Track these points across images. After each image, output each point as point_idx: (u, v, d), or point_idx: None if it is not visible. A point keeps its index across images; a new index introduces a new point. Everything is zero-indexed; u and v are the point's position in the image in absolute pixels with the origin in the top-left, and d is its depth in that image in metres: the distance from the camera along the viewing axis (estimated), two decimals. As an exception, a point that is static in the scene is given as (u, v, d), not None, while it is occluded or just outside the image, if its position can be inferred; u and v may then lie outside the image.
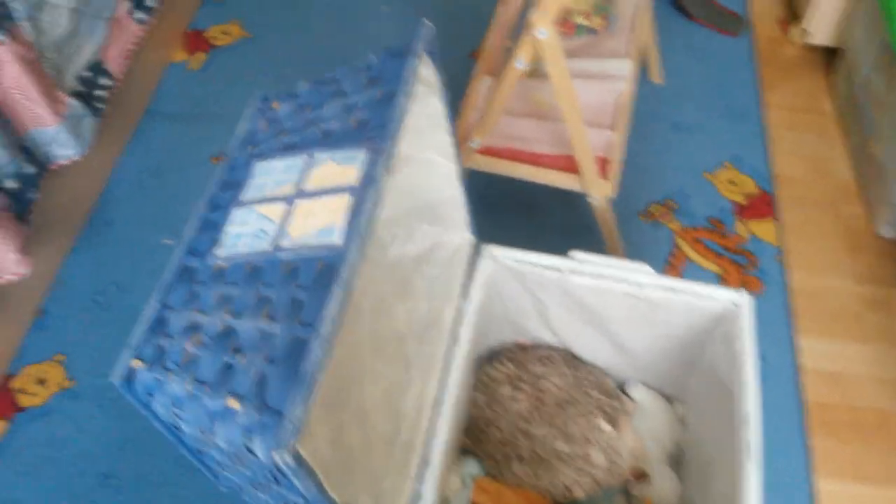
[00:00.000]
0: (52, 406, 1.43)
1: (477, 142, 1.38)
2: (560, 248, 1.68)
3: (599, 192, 1.40)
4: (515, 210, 1.70)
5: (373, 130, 0.77)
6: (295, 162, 0.80)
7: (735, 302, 1.10)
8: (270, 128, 0.87)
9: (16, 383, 1.46)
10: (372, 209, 0.70)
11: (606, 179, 1.40)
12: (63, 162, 1.49)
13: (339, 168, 0.76)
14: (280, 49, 2.02)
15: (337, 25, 2.08)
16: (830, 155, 1.83)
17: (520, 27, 1.52)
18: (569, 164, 1.40)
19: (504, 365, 1.28)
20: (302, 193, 0.76)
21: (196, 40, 2.02)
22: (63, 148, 1.46)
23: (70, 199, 1.63)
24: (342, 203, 0.72)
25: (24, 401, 1.44)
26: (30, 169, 1.39)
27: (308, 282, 0.68)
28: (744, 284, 1.60)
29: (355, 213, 0.70)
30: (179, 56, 1.99)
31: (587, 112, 1.46)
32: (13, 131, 1.37)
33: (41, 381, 1.46)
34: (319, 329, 0.62)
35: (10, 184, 1.35)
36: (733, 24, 2.06)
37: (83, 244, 1.65)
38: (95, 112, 1.55)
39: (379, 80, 0.83)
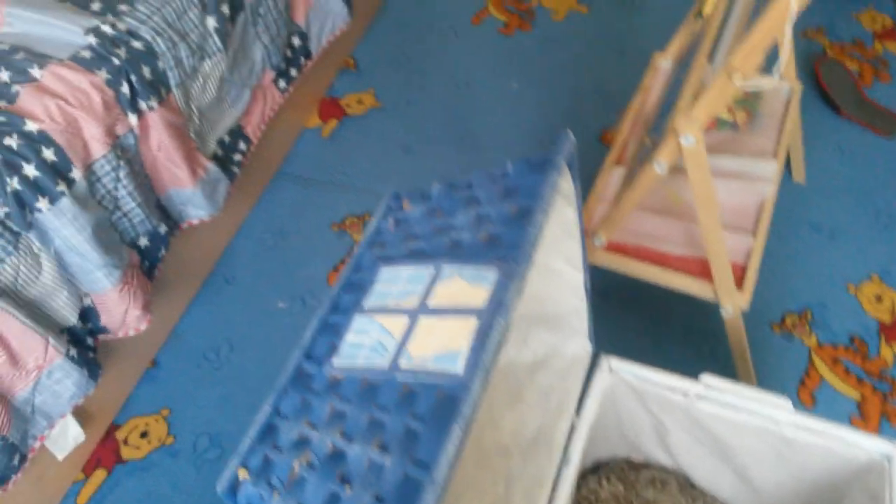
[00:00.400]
0: (151, 461, 1.46)
1: (601, 240, 1.32)
2: (680, 355, 1.57)
3: (733, 303, 1.30)
4: (633, 308, 1.62)
5: (505, 249, 0.73)
6: (421, 272, 0.77)
7: (886, 455, 0.98)
8: (399, 229, 0.85)
9: (121, 434, 1.49)
10: (500, 338, 0.65)
11: (741, 290, 1.30)
12: (194, 222, 1.54)
13: (467, 286, 0.72)
14: (409, 121, 2.05)
15: (466, 101, 2.09)
16: None
17: (658, 121, 1.46)
18: (701, 269, 1.32)
19: (612, 483, 1.19)
20: (426, 309, 0.73)
21: (331, 107, 2.08)
22: (197, 209, 1.52)
23: (195, 254, 1.69)
24: (468, 327, 0.68)
25: (126, 452, 1.47)
26: (163, 228, 1.44)
27: (425, 412, 0.64)
28: (886, 415, 1.44)
29: (481, 342, 0.66)
30: (313, 122, 2.05)
31: (726, 214, 1.38)
32: (152, 191, 1.44)
33: (144, 435, 1.49)
34: (434, 473, 0.58)
35: (143, 241, 1.41)
36: (888, 123, 1.92)
37: (202, 300, 1.70)
38: (231, 176, 1.61)
39: (515, 192, 0.79)
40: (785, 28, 0.89)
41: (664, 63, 1.71)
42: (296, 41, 1.81)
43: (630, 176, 1.38)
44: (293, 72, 1.81)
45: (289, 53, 1.79)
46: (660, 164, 1.14)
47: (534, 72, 2.15)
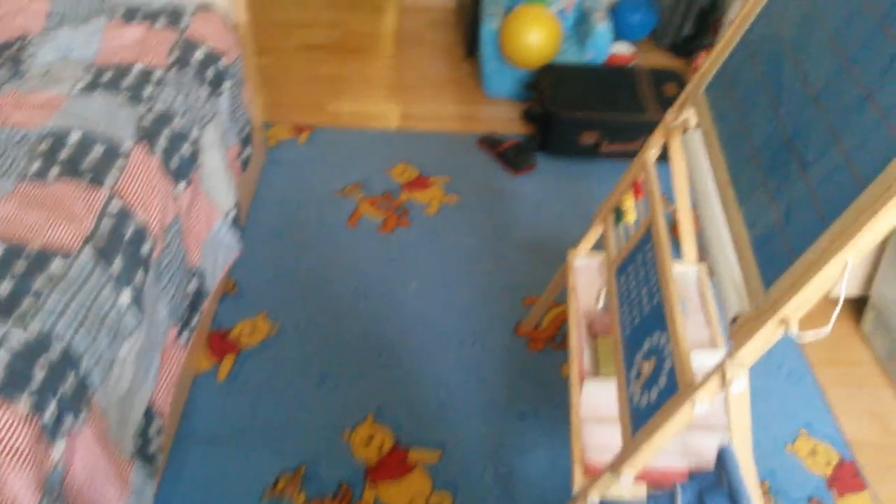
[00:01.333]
0: None
1: (629, 477, 1.25)
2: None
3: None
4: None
5: None
6: None
7: None
8: None
9: None
10: None
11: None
12: (122, 544, 1.21)
13: None
14: (315, 345, 1.85)
15: (370, 311, 1.95)
16: (894, 408, 1.82)
17: (630, 332, 1.45)
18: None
19: None
20: None
21: (221, 343, 1.82)
22: (126, 528, 1.19)
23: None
24: None
25: None
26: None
27: None
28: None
29: None
30: (205, 364, 1.78)
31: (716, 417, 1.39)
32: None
33: None
34: None
35: None
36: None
37: None
38: (154, 470, 1.30)
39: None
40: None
41: (580, 262, 1.74)
42: (193, 285, 1.58)
43: (623, 395, 1.34)
44: (194, 320, 1.56)
45: (188, 301, 1.55)
46: (701, 403, 1.11)
47: (427, 267, 2.09)
